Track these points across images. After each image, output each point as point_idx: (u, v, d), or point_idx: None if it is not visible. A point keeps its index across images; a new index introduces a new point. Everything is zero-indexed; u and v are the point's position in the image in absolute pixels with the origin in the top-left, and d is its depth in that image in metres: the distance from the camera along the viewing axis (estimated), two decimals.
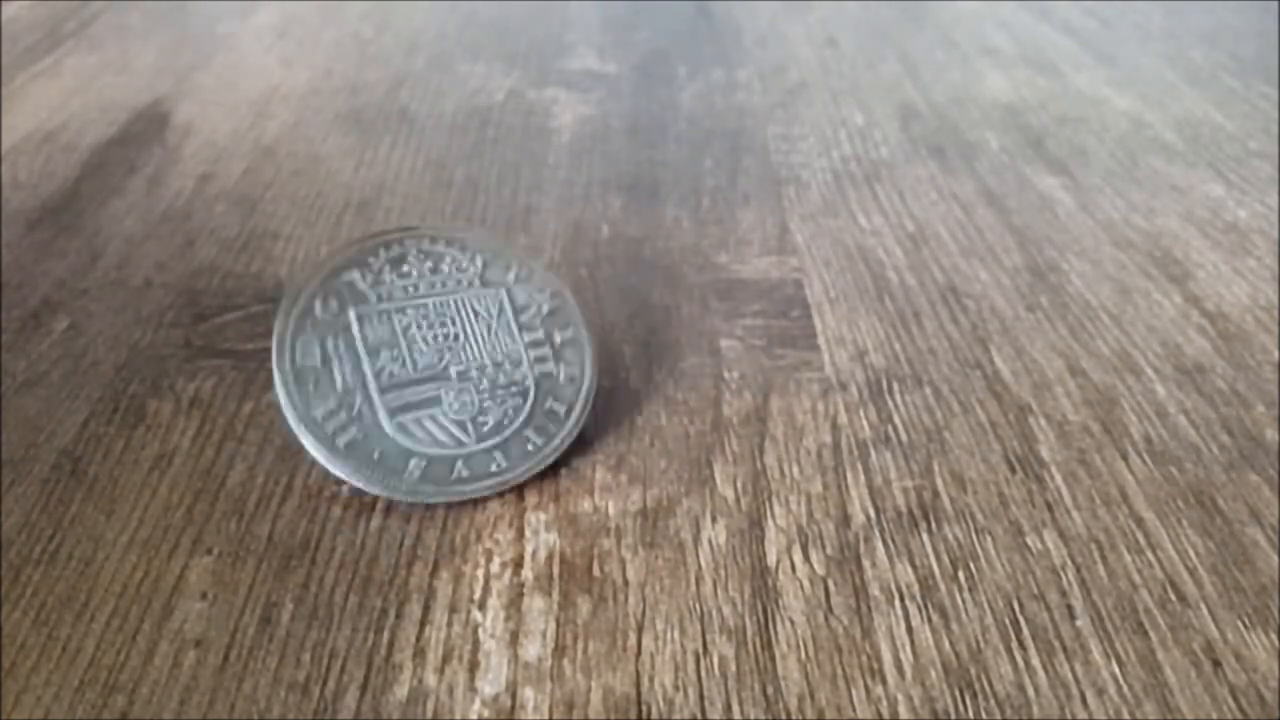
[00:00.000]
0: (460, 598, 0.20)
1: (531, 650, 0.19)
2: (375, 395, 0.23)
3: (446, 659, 0.19)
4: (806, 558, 0.21)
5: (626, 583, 0.20)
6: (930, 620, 0.19)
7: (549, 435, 0.23)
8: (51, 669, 0.18)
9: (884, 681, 0.18)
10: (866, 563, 0.21)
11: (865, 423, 0.24)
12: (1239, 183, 0.35)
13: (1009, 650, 0.19)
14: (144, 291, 0.29)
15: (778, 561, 0.21)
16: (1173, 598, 0.20)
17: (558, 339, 0.24)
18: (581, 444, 0.24)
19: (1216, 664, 0.19)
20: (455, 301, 0.24)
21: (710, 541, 0.21)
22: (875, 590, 0.20)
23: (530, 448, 0.23)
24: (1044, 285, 0.30)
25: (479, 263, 0.25)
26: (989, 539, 0.21)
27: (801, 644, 0.19)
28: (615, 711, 0.18)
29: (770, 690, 0.18)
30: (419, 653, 0.19)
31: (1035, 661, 0.19)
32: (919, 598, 0.20)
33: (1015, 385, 0.26)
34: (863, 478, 0.23)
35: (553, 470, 0.23)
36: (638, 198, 0.34)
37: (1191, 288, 0.30)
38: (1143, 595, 0.20)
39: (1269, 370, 0.26)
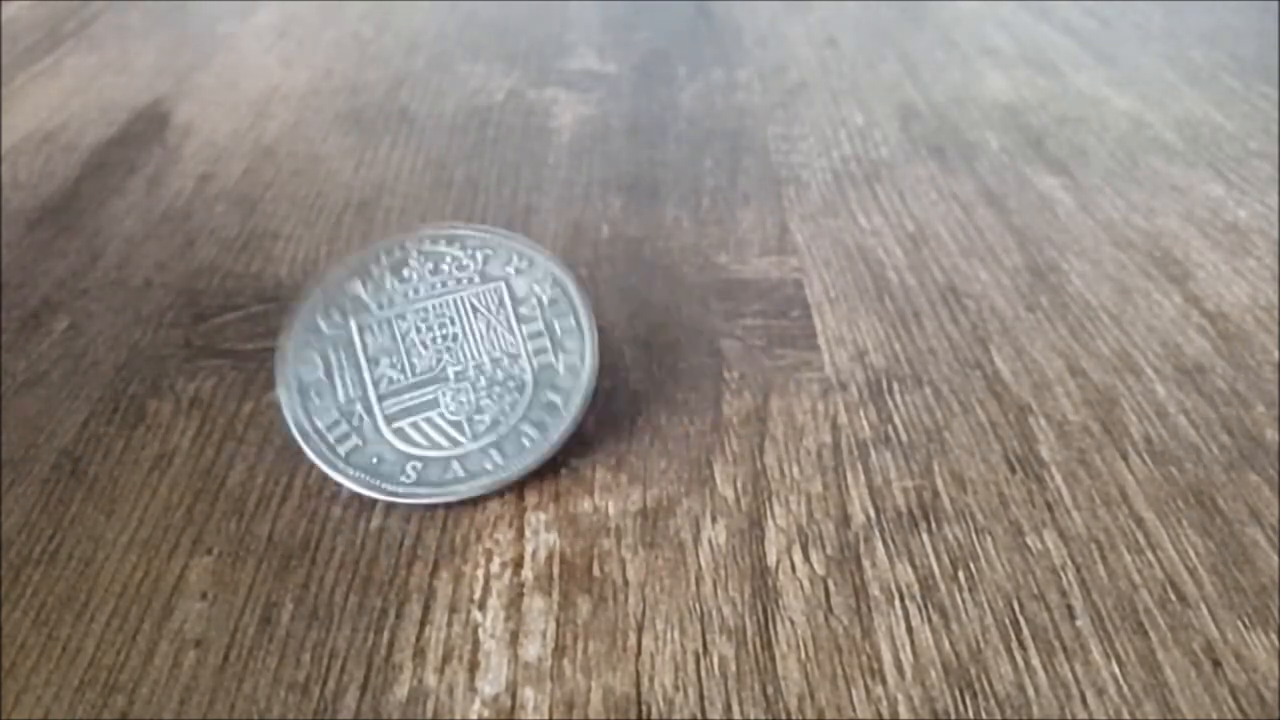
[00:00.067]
0: (460, 598, 0.20)
1: (531, 650, 0.19)
2: (375, 403, 0.23)
3: (446, 659, 0.19)
4: (806, 558, 0.21)
5: (626, 583, 0.20)
6: (930, 620, 0.19)
7: (546, 430, 0.23)
8: (51, 669, 0.18)
9: (884, 681, 0.18)
10: (866, 563, 0.21)
11: (865, 423, 0.24)
12: (1239, 183, 0.35)
13: (1009, 650, 0.19)
14: (144, 291, 0.29)
15: (778, 561, 0.21)
16: (1173, 598, 0.20)
17: (558, 329, 0.24)
18: (581, 444, 0.24)
19: (1216, 664, 0.19)
20: (455, 301, 0.24)
21: (710, 541, 0.21)
22: (875, 590, 0.20)
23: (527, 443, 0.22)
24: (1044, 285, 0.30)
25: (479, 259, 0.25)
26: (989, 539, 0.21)
27: (801, 644, 0.19)
28: (615, 711, 0.18)
29: (770, 690, 0.18)
30: (419, 653, 0.19)
31: (1035, 661, 0.19)
32: (919, 598, 0.20)
33: (1015, 385, 0.26)
34: (863, 478, 0.23)
35: (553, 470, 0.23)
36: (638, 198, 0.34)
37: (1191, 288, 0.30)
38: (1143, 595, 0.20)
39: (1269, 370, 0.26)
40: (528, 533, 0.21)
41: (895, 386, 0.26)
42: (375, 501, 0.22)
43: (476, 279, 0.24)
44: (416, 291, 0.24)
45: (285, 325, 0.23)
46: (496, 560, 0.21)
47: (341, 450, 0.22)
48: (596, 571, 0.20)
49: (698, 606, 0.20)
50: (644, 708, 0.18)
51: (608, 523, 0.22)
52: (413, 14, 0.52)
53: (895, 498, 0.22)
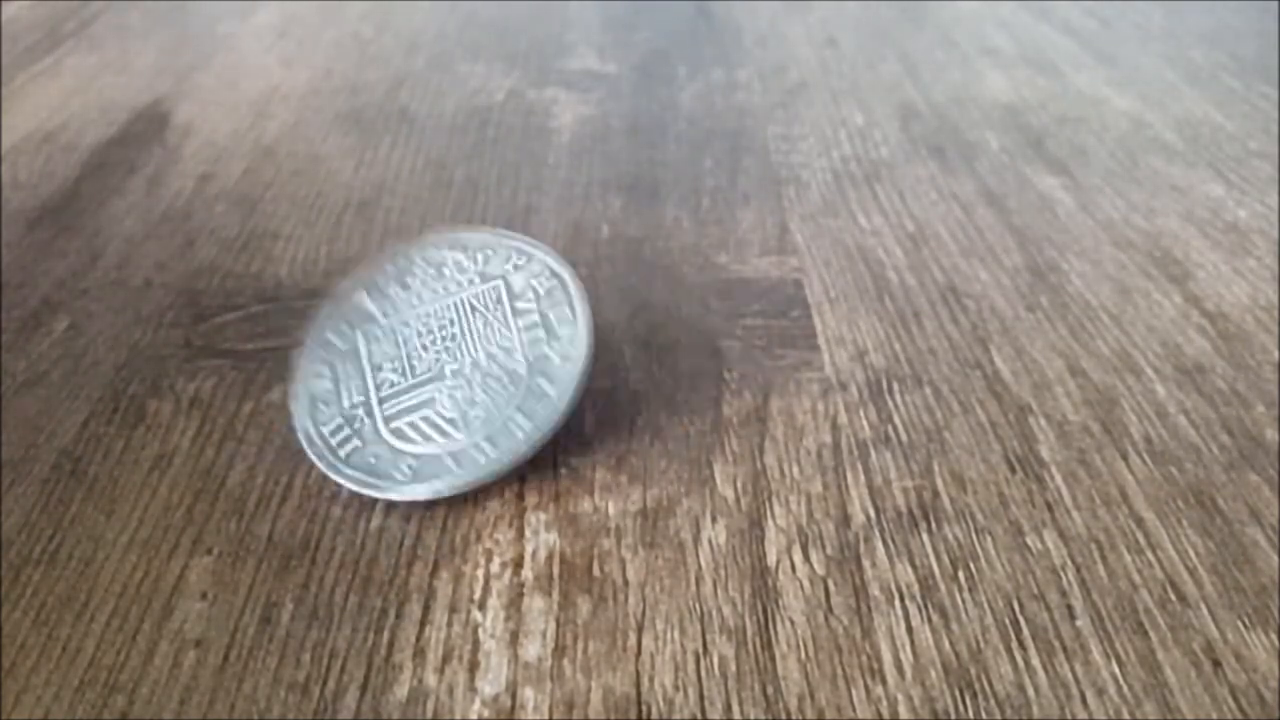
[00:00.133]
0: (460, 598, 0.20)
1: (531, 650, 0.19)
2: (375, 406, 0.23)
3: (446, 659, 0.19)
4: (806, 558, 0.21)
5: (626, 583, 0.20)
6: (930, 620, 0.19)
7: (537, 418, 0.23)
8: (51, 669, 0.18)
9: (884, 681, 0.18)
10: (866, 563, 0.21)
11: (865, 423, 0.24)
12: (1239, 183, 0.35)
13: (1009, 650, 0.19)
14: (144, 291, 0.29)
15: (778, 561, 0.21)
16: (1173, 598, 0.20)
17: (553, 319, 0.24)
18: (581, 444, 0.24)
19: (1216, 664, 0.19)
20: (455, 303, 0.24)
21: (710, 541, 0.21)
22: (875, 590, 0.20)
23: (519, 433, 0.22)
24: (1044, 285, 0.30)
25: (479, 260, 0.25)
26: (989, 539, 0.21)
27: (801, 644, 0.19)
28: (615, 711, 0.18)
29: (770, 690, 0.18)
30: (419, 653, 0.19)
31: (1035, 661, 0.19)
32: (919, 598, 0.20)
33: (1015, 385, 0.26)
34: (863, 478, 0.23)
35: (553, 470, 0.23)
36: (638, 198, 0.34)
37: (1191, 288, 0.30)
38: (1143, 595, 0.20)
39: (1269, 370, 0.26)
40: (528, 533, 0.21)
41: (895, 386, 0.26)
42: (375, 501, 0.22)
43: (477, 279, 0.25)
44: (420, 298, 0.25)
45: (299, 342, 0.24)
46: (496, 560, 0.21)
47: (342, 453, 0.22)
48: (596, 571, 0.20)
49: (698, 606, 0.20)
50: (644, 708, 0.18)
51: (608, 523, 0.22)
52: (413, 14, 0.52)
53: (895, 498, 0.22)
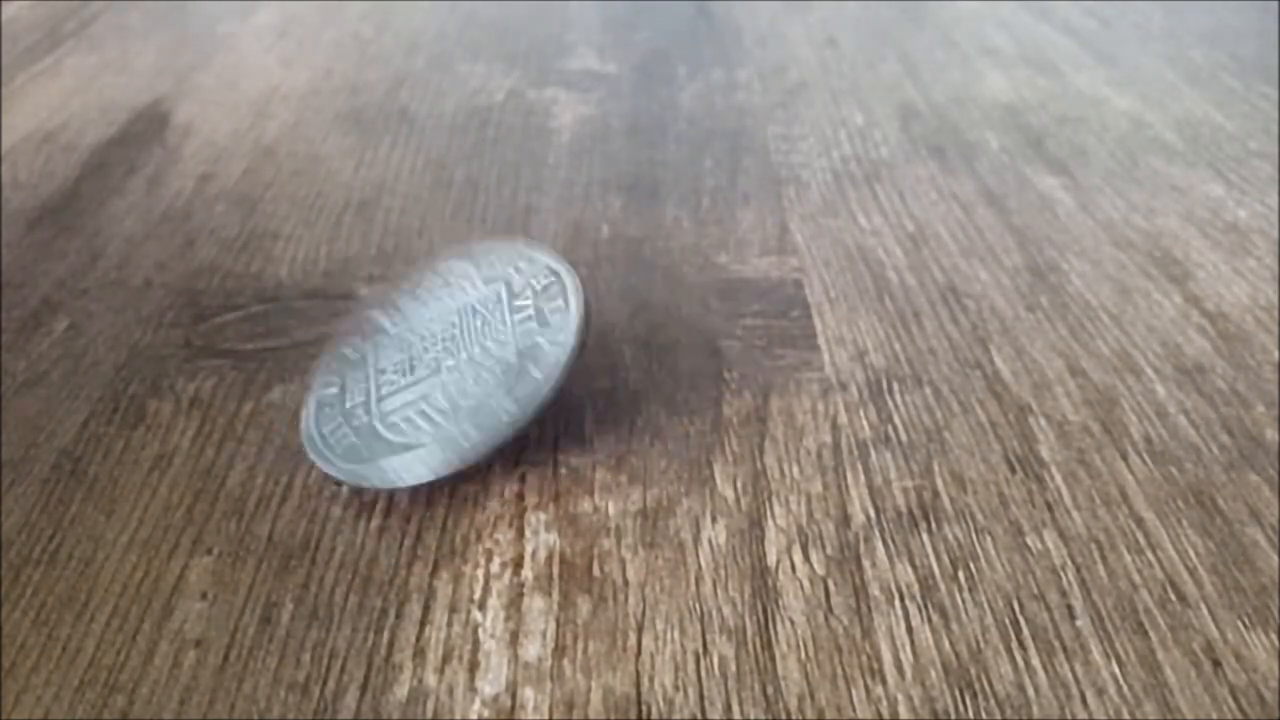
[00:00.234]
0: (460, 598, 0.20)
1: (531, 650, 0.19)
2: (374, 405, 0.23)
3: (446, 659, 0.19)
4: (806, 558, 0.21)
5: (626, 583, 0.20)
6: (930, 620, 0.19)
7: (522, 402, 0.22)
8: (51, 669, 0.18)
9: (884, 681, 0.18)
10: (866, 563, 0.21)
11: (865, 423, 0.24)
12: (1239, 183, 0.35)
13: (1009, 650, 0.19)
14: (144, 291, 0.29)
15: (778, 561, 0.21)
16: (1173, 598, 0.20)
17: (546, 311, 0.24)
18: (581, 444, 0.24)
19: (1216, 664, 0.19)
20: (460, 307, 0.25)
21: (710, 541, 0.21)
22: (875, 590, 0.20)
23: (505, 417, 0.22)
24: (1044, 285, 0.30)
25: (483, 265, 0.25)
26: (989, 539, 0.21)
27: (801, 644, 0.19)
28: (615, 711, 0.18)
29: (770, 690, 0.18)
30: (419, 653, 0.19)
31: (1035, 661, 0.19)
32: (919, 598, 0.20)
33: (1015, 385, 0.26)
34: (863, 478, 0.23)
35: (552, 470, 0.23)
36: (638, 198, 0.34)
37: (1191, 288, 0.30)
38: (1143, 595, 0.20)
39: (1269, 370, 0.26)
40: (528, 533, 0.21)
41: (895, 386, 0.26)
42: (375, 501, 0.22)
43: (480, 284, 0.25)
44: (427, 306, 0.25)
45: (317, 362, 0.25)
46: (496, 560, 0.21)
47: (338, 449, 0.22)
48: (596, 571, 0.20)
49: (698, 606, 0.20)
50: (644, 708, 0.18)
51: (608, 523, 0.22)
52: (413, 14, 0.52)
53: (895, 498, 0.22)
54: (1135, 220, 0.33)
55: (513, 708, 0.18)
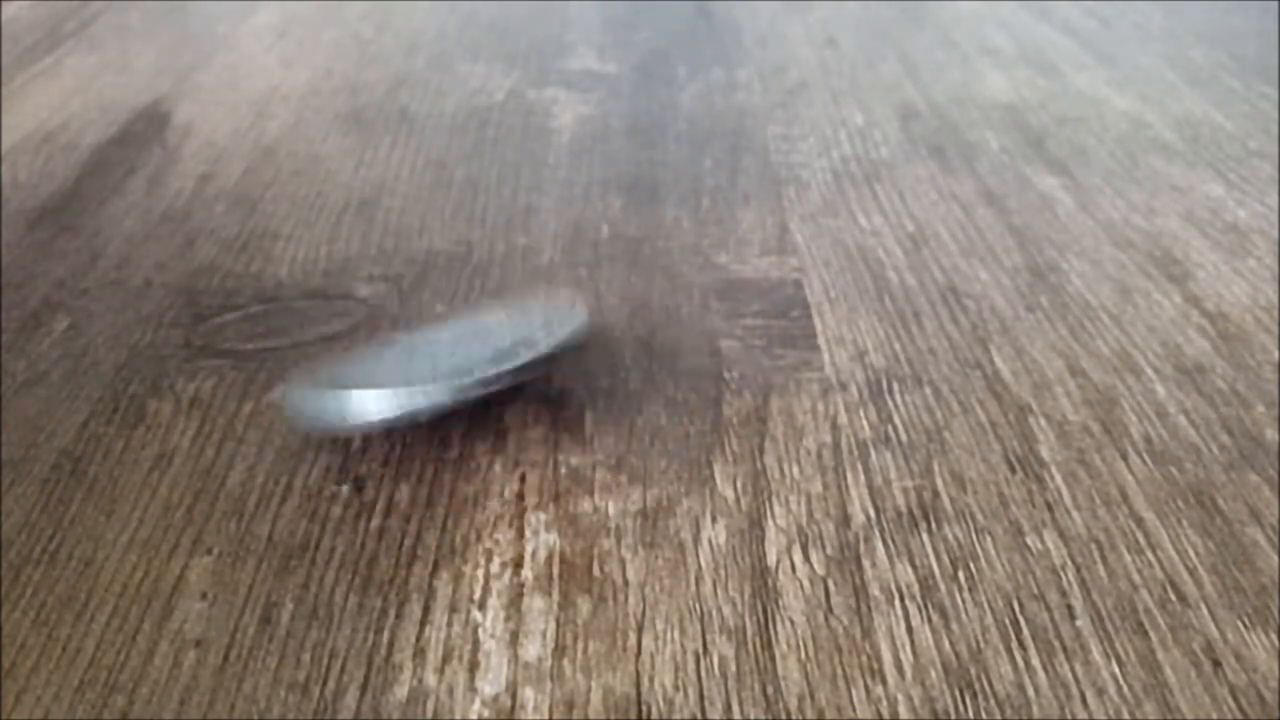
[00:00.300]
0: (460, 598, 0.20)
1: (531, 650, 0.19)
2: (358, 366, 0.25)
3: (446, 659, 0.19)
4: (806, 558, 0.21)
5: (626, 583, 0.20)
6: (930, 620, 0.19)
7: (498, 367, 0.23)
8: (51, 669, 0.18)
9: (884, 681, 0.18)
10: (866, 563, 0.21)
11: (865, 423, 0.24)
12: (1239, 183, 0.35)
13: (1009, 650, 0.19)
14: (144, 291, 0.29)
15: (778, 561, 0.21)
16: (1173, 598, 0.20)
17: (555, 322, 0.25)
18: (581, 444, 0.24)
19: (1216, 664, 0.19)
20: (475, 327, 0.26)
21: (710, 541, 0.21)
22: (875, 590, 0.20)
23: (476, 375, 0.23)
24: (1044, 285, 0.30)
25: (515, 311, 0.27)
26: (989, 539, 0.21)
27: (801, 644, 0.19)
28: (615, 711, 0.18)
29: (770, 690, 0.18)
30: (419, 653, 0.19)
31: (1035, 661, 0.19)
32: (919, 598, 0.20)
33: (1015, 385, 0.26)
34: (863, 478, 0.23)
35: (552, 470, 0.23)
36: (638, 198, 0.34)
37: (1191, 288, 0.30)
38: (1143, 595, 0.20)
39: (1269, 370, 0.26)
40: (528, 533, 0.21)
41: (895, 386, 0.26)
42: (375, 501, 0.22)
43: (503, 315, 0.27)
44: (444, 328, 0.26)
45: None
46: (496, 560, 0.21)
47: (307, 385, 0.24)
48: (596, 571, 0.20)
49: (698, 606, 0.20)
50: (644, 708, 0.18)
51: (608, 523, 0.22)
52: (413, 14, 0.52)
53: (895, 498, 0.22)
54: (1135, 220, 0.33)
55: (513, 708, 0.18)
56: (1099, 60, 0.46)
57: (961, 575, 0.20)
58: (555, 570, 0.20)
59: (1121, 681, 0.18)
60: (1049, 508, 0.22)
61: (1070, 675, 0.18)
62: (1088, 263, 0.31)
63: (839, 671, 0.18)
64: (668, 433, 0.24)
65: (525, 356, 0.23)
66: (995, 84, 0.44)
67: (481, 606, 0.20)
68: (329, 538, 0.21)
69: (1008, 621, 0.19)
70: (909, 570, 0.20)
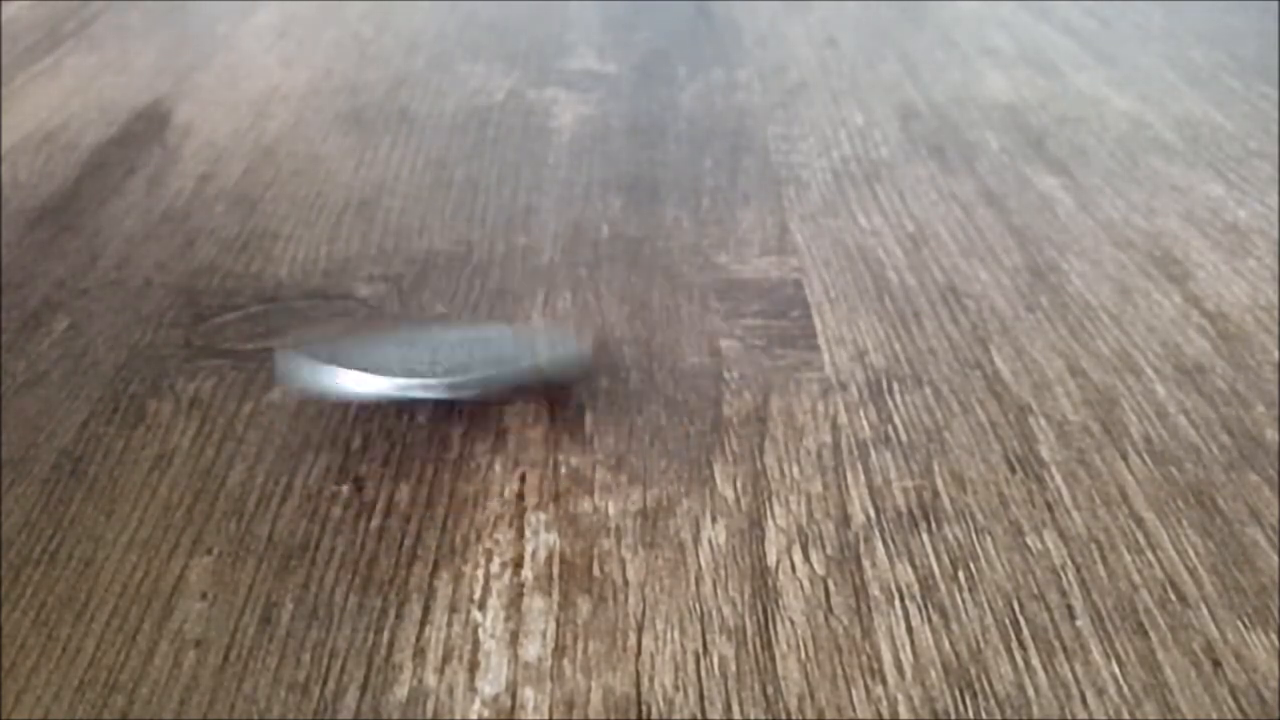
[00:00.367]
0: (460, 598, 0.20)
1: (531, 650, 0.19)
2: (356, 349, 0.25)
3: (446, 659, 0.19)
4: (806, 558, 0.21)
5: (626, 583, 0.20)
6: (930, 620, 0.19)
7: (495, 368, 0.24)
8: (51, 669, 0.18)
9: (884, 681, 0.18)
10: (866, 563, 0.21)
11: (865, 423, 0.24)
12: (1239, 183, 0.35)
13: (1009, 650, 0.19)
14: (144, 291, 0.29)
15: (778, 561, 0.21)
16: (1173, 598, 0.20)
17: (557, 341, 0.26)
18: (581, 444, 0.24)
19: (1216, 664, 0.19)
20: (482, 335, 0.27)
21: (710, 541, 0.21)
22: (875, 590, 0.20)
23: (475, 372, 0.23)
24: (1044, 285, 0.30)
25: (520, 331, 0.27)
26: (989, 539, 0.21)
27: (801, 644, 0.19)
28: (615, 711, 0.18)
29: (770, 690, 0.18)
30: (419, 653, 0.19)
31: (1035, 661, 0.19)
32: (919, 598, 0.20)
33: (1015, 385, 0.26)
34: (863, 478, 0.23)
35: (552, 470, 0.23)
36: (638, 198, 0.34)
37: (1191, 288, 0.30)
38: (1143, 595, 0.20)
39: (1269, 370, 0.26)
40: (528, 533, 0.21)
41: (895, 386, 0.26)
42: (375, 501, 0.22)
43: (508, 329, 0.28)
44: (450, 330, 0.27)
45: (300, 343, 0.26)
46: (496, 560, 0.21)
47: (303, 357, 0.24)
48: (596, 571, 0.20)
49: (698, 606, 0.20)
50: (644, 708, 0.18)
51: (608, 523, 0.22)
52: (413, 14, 0.52)
53: (895, 498, 0.22)
54: (1135, 220, 0.33)
55: (513, 708, 0.18)
56: (1099, 60, 0.46)
57: (961, 575, 0.20)
58: (555, 570, 0.20)
59: (1121, 681, 0.18)
60: (1049, 508, 0.22)
61: (1070, 675, 0.18)
62: (1088, 263, 0.31)
63: (839, 671, 0.18)
64: (668, 433, 0.24)
65: (524, 368, 0.24)
66: (995, 84, 0.44)
67: (481, 606, 0.20)
68: (329, 538, 0.21)
69: (1008, 621, 0.19)
70: (909, 570, 0.20)
